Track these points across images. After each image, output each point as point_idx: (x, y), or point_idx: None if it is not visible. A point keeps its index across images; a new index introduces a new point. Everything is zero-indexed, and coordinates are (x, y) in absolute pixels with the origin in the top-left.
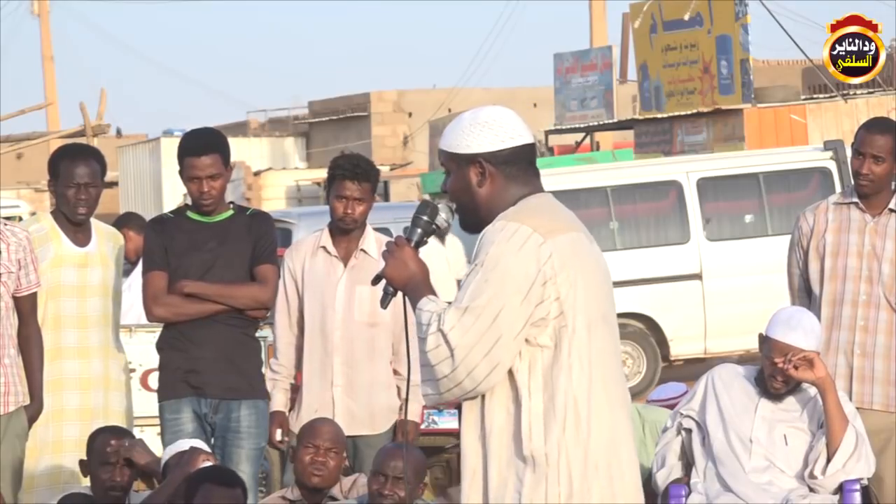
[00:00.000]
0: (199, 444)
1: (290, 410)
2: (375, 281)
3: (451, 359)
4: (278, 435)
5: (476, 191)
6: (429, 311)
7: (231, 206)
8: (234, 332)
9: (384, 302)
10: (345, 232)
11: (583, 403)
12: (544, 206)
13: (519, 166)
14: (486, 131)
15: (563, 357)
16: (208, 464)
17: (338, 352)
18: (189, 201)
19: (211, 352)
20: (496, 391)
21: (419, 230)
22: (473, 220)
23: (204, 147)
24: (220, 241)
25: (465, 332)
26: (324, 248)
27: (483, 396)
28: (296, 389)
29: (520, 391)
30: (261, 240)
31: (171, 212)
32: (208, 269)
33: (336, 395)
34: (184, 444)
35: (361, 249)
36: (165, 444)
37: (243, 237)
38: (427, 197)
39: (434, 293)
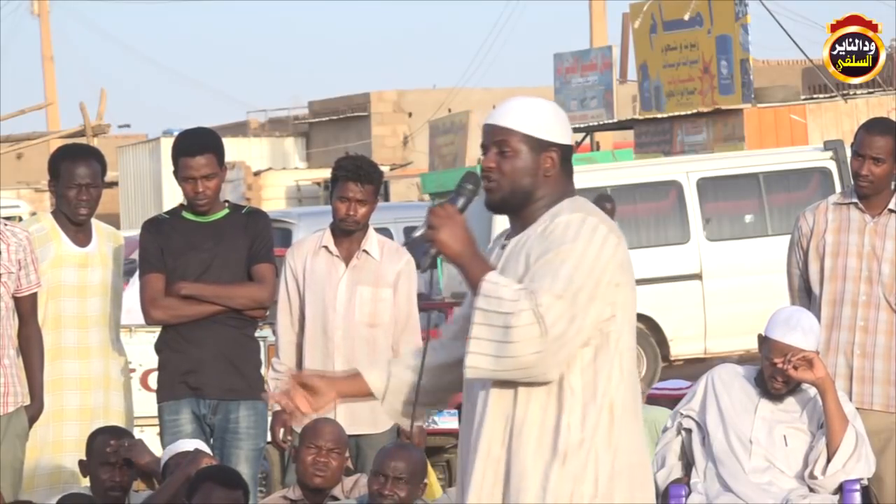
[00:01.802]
0: (202, 445)
1: None
2: (414, 243)
3: (539, 340)
4: (281, 434)
5: (542, 178)
6: (509, 287)
7: (226, 204)
8: (233, 333)
9: (426, 265)
10: (347, 232)
11: (618, 408)
12: (597, 210)
13: (570, 165)
14: (564, 124)
15: (607, 360)
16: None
17: (339, 351)
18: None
19: (210, 352)
20: (541, 388)
21: (463, 199)
22: (518, 203)
23: (198, 147)
24: (216, 240)
25: (558, 320)
26: (325, 247)
27: (517, 387)
28: None
29: (562, 387)
30: (258, 238)
31: (167, 212)
32: (206, 269)
33: None
34: (183, 445)
35: (363, 250)
36: (164, 445)
37: (240, 236)
38: (427, 197)
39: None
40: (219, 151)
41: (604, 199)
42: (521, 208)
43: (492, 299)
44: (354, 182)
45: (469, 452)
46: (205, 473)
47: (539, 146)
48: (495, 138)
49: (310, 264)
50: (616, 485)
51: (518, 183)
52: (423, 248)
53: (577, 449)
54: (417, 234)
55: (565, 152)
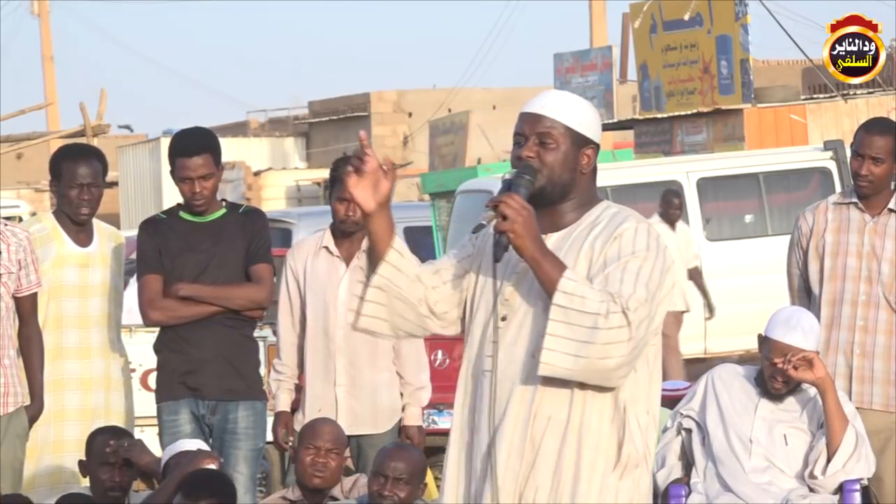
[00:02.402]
0: (203, 445)
1: (293, 411)
2: (478, 229)
3: (627, 344)
4: (283, 435)
5: (580, 174)
6: (592, 287)
7: (223, 203)
8: (232, 333)
9: (499, 256)
10: (347, 233)
11: (652, 424)
12: None
13: (596, 166)
14: (599, 124)
15: (645, 374)
16: (212, 466)
17: (340, 352)
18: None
19: (208, 353)
20: (597, 394)
21: (525, 190)
22: (555, 197)
23: (195, 147)
24: (214, 240)
25: (641, 324)
26: (326, 248)
27: (573, 389)
28: (299, 389)
29: (616, 397)
30: (255, 238)
31: (164, 212)
32: (203, 270)
33: (339, 394)
34: (184, 445)
35: (364, 250)
36: (163, 445)
37: (237, 235)
38: (427, 197)
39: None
40: (215, 151)
41: (672, 195)
42: (554, 204)
43: (574, 297)
44: None
45: (497, 446)
46: (184, 480)
47: (580, 142)
48: (538, 129)
49: (310, 265)
50: (650, 496)
51: (558, 176)
52: (494, 239)
53: (636, 464)
54: (485, 222)
55: (597, 152)
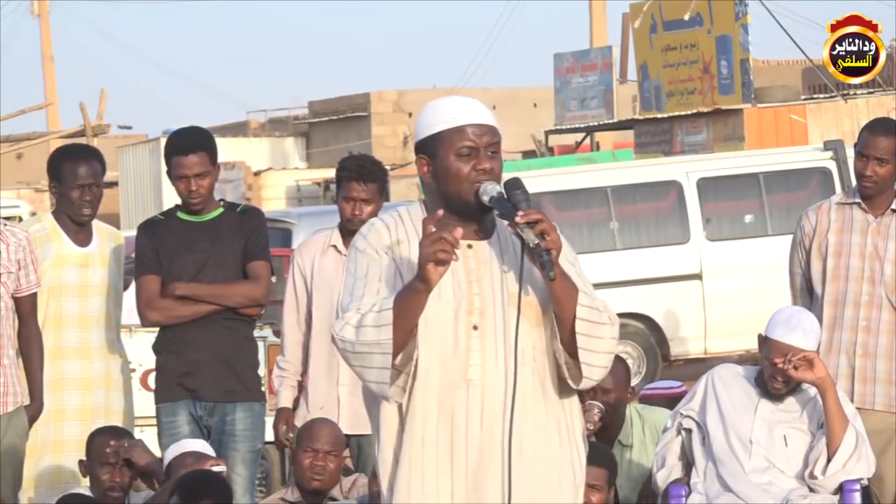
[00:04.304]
0: (206, 446)
1: (295, 408)
2: (536, 250)
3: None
4: (283, 432)
5: None
6: (590, 297)
7: (221, 203)
8: (231, 334)
9: (554, 274)
10: (355, 232)
11: None
12: None
13: None
14: None
15: None
16: (219, 468)
17: None
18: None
19: (206, 354)
20: (575, 397)
21: (528, 204)
22: None
23: (191, 145)
24: (211, 239)
25: None
26: (334, 246)
27: (564, 402)
28: (301, 388)
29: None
30: (252, 236)
31: (162, 213)
32: (201, 269)
33: (341, 393)
34: (188, 445)
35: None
36: (162, 447)
37: (235, 234)
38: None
39: None
40: (211, 150)
41: None
42: (488, 211)
43: (593, 311)
44: (357, 181)
45: (513, 456)
46: (179, 480)
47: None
48: (490, 139)
49: (318, 263)
50: None
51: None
52: (541, 259)
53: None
54: (534, 242)
55: None
